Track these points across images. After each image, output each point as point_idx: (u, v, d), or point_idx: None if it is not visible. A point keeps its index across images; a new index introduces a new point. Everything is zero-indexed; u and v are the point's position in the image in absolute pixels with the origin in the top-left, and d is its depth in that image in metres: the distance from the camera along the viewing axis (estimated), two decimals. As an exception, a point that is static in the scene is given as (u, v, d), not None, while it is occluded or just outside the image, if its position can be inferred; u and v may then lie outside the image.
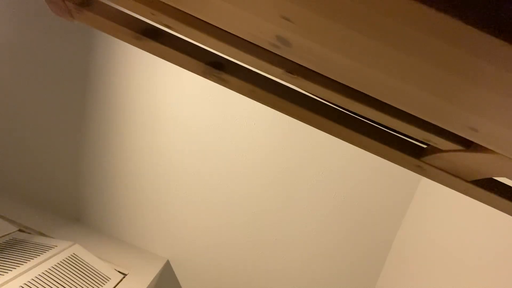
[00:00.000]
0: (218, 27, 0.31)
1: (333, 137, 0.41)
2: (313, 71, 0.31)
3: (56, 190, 1.61)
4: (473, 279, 0.76)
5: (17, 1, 1.45)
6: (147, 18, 0.35)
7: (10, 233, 1.27)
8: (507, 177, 0.35)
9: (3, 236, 1.22)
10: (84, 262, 1.22)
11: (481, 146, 0.30)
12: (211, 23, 0.30)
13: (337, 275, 1.44)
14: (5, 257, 1.08)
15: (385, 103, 0.29)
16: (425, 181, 1.28)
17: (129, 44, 0.40)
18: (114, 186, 1.56)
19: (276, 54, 0.30)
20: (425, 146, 0.39)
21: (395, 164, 0.42)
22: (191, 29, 0.33)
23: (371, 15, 0.20)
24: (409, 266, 1.13)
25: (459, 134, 0.28)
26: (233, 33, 0.31)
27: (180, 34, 0.36)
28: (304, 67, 0.31)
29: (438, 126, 0.29)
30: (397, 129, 0.36)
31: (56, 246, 1.21)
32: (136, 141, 1.49)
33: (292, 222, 1.44)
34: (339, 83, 0.31)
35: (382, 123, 0.37)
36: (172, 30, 0.35)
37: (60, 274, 1.10)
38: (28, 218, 1.46)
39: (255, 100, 0.41)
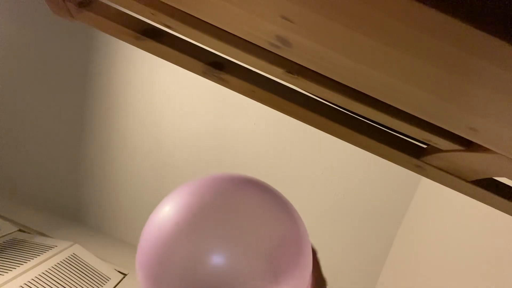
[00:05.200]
0: (218, 27, 0.31)
1: (333, 137, 0.41)
2: (313, 71, 0.31)
3: (56, 190, 1.61)
4: (473, 278, 0.76)
5: (17, 1, 1.44)
6: (147, 18, 0.35)
7: (10, 233, 1.27)
8: (507, 177, 0.35)
9: (3, 236, 1.22)
10: (84, 262, 1.22)
11: (481, 146, 0.30)
12: (211, 23, 0.30)
13: (338, 275, 1.44)
14: (5, 257, 1.08)
15: (385, 103, 0.29)
16: (425, 181, 1.28)
17: (129, 44, 0.40)
18: (114, 186, 1.56)
19: (276, 54, 0.30)
20: (425, 146, 0.39)
21: (395, 164, 0.42)
22: (191, 29, 0.33)
23: (371, 15, 0.20)
24: (410, 265, 1.13)
25: (459, 134, 0.28)
26: (233, 33, 0.31)
27: (180, 34, 0.35)
28: (304, 67, 0.31)
29: (438, 126, 0.29)
30: (397, 129, 0.36)
31: (56, 246, 1.21)
32: (136, 141, 1.49)
33: (292, 222, 1.44)
34: (339, 83, 0.31)
35: (382, 123, 0.37)
36: (172, 30, 0.35)
37: (60, 274, 1.10)
38: (28, 218, 1.45)
39: (255, 100, 0.41)
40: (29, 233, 1.34)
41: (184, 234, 0.33)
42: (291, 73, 0.33)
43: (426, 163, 0.39)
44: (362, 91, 0.29)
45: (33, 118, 1.56)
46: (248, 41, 0.32)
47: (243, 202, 0.36)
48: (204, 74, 0.40)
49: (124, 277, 1.30)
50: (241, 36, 0.30)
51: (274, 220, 0.36)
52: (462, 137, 0.29)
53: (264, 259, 0.33)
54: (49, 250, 1.17)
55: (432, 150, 0.37)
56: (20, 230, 1.33)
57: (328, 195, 1.40)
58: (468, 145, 0.32)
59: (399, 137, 0.40)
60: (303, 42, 0.25)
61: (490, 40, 0.18)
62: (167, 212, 0.37)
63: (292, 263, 0.34)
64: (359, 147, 0.42)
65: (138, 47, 0.39)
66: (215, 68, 0.38)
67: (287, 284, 0.33)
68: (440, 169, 0.39)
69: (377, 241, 1.39)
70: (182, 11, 0.30)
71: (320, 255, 0.45)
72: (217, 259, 0.31)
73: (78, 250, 1.25)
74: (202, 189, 0.38)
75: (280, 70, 0.34)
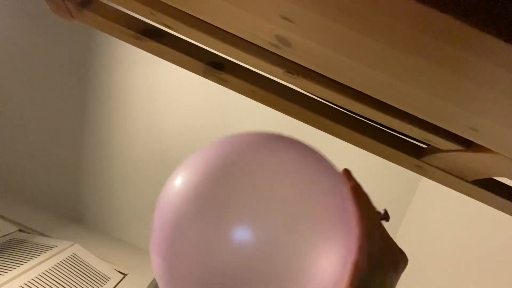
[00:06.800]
0: (218, 27, 0.31)
1: (333, 137, 0.41)
2: (313, 71, 0.31)
3: (56, 190, 1.61)
4: (473, 278, 0.76)
5: (17, 1, 1.44)
6: (147, 18, 0.35)
7: (10, 233, 1.27)
8: (507, 177, 0.35)
9: (3, 236, 1.22)
10: (84, 262, 1.21)
11: (481, 146, 0.30)
12: (211, 23, 0.30)
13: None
14: (5, 257, 1.08)
15: (385, 103, 0.29)
16: (425, 181, 1.28)
17: (129, 44, 0.40)
18: (114, 186, 1.56)
19: (276, 54, 0.30)
20: (425, 146, 0.39)
21: (395, 164, 0.42)
22: (191, 29, 0.33)
23: (371, 15, 0.20)
24: (409, 265, 1.13)
25: (459, 134, 0.28)
26: (233, 33, 0.31)
27: (180, 34, 0.35)
28: (304, 67, 0.31)
29: (438, 126, 0.29)
30: (397, 129, 0.36)
31: (56, 246, 1.21)
32: (136, 141, 1.49)
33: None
34: (339, 83, 0.31)
35: (382, 123, 0.37)
36: (172, 30, 0.35)
37: (60, 274, 1.10)
38: (28, 218, 1.45)
39: (255, 100, 0.41)
40: (29, 233, 1.34)
41: (196, 212, 0.27)
42: (291, 73, 0.33)
43: (426, 163, 0.39)
44: (362, 91, 0.29)
45: (32, 118, 1.55)
46: (248, 41, 0.32)
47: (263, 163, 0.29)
48: (204, 74, 0.40)
49: (124, 277, 1.30)
50: (241, 36, 0.30)
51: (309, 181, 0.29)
52: (462, 137, 0.29)
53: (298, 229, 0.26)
54: (49, 250, 1.17)
55: (432, 150, 0.37)
56: (20, 230, 1.32)
57: (328, 195, 1.39)
58: (468, 145, 0.32)
59: (399, 137, 0.40)
60: (303, 42, 0.25)
61: (491, 41, 0.18)
62: (176, 188, 0.30)
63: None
64: (359, 147, 0.42)
65: (138, 47, 0.39)
66: (215, 68, 0.38)
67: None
68: (440, 169, 0.39)
69: (377, 241, 1.39)
70: (182, 11, 0.30)
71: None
72: (237, 236, 0.26)
73: (78, 250, 1.25)
74: (216, 152, 0.31)
75: (280, 70, 0.34)
